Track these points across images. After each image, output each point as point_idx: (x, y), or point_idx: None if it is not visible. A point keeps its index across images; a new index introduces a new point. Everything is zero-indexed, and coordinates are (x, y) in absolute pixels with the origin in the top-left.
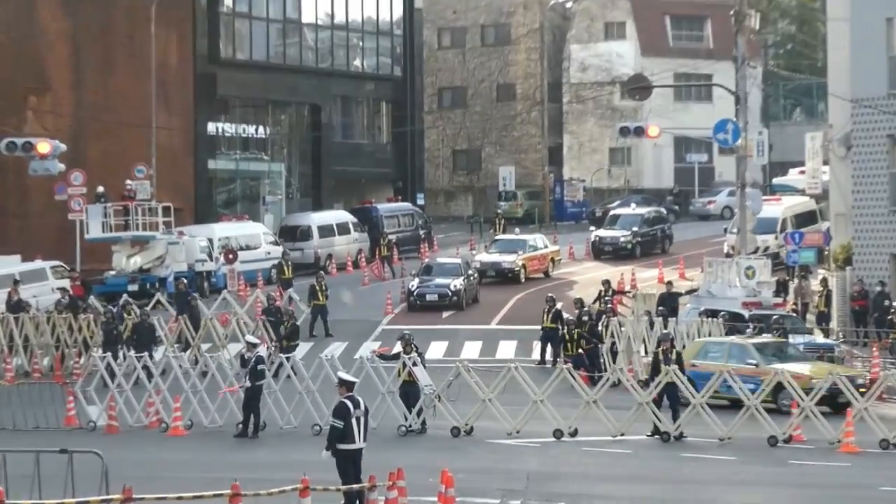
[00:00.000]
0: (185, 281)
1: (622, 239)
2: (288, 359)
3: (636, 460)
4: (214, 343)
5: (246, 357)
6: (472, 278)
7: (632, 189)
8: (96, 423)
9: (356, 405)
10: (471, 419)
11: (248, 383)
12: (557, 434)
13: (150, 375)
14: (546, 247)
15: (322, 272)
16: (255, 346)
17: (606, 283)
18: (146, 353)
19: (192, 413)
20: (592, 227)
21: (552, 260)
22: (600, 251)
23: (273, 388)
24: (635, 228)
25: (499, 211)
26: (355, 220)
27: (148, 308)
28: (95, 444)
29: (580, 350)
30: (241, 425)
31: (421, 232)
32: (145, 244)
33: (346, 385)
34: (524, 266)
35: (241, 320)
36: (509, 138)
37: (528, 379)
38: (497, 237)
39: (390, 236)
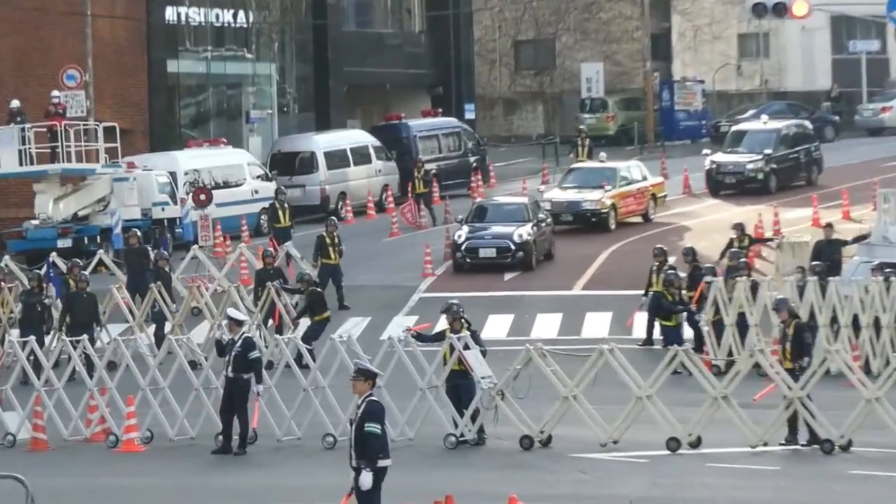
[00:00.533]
0: (139, 233)
1: (749, 166)
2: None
3: (786, 480)
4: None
5: (224, 341)
6: (543, 225)
7: (771, 93)
8: (16, 437)
9: None
10: (548, 424)
11: (228, 373)
12: (673, 444)
13: (91, 368)
14: (645, 178)
15: (334, 219)
16: (239, 323)
17: (739, 227)
18: (85, 337)
19: (153, 421)
20: (707, 151)
21: (654, 197)
22: (718, 184)
23: (267, 383)
24: (768, 151)
25: (581, 127)
26: (378, 143)
27: (86, 272)
28: (15, 466)
29: (688, 319)
30: (220, 437)
31: (471, 159)
32: (80, 181)
33: (369, 376)
34: (614, 206)
35: (222, 288)
36: (594, 23)
37: (628, 367)
38: (574, 165)
39: (428, 166)
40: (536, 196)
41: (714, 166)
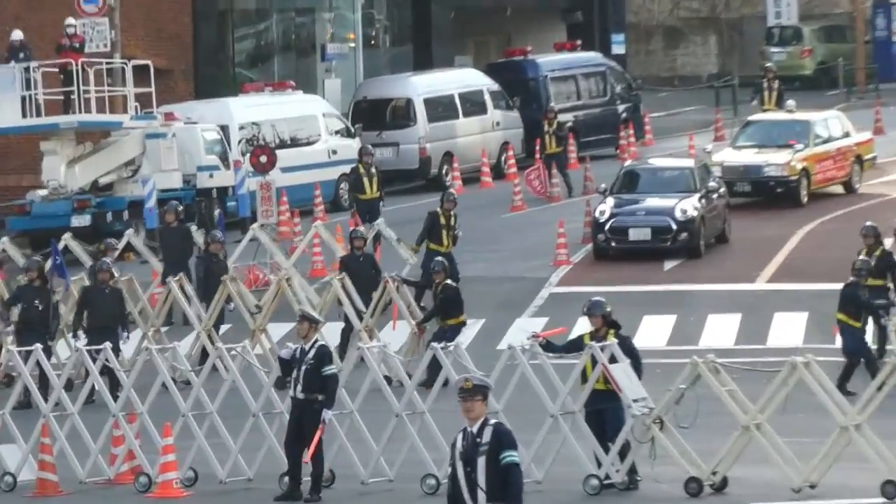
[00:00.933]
0: (179, 206)
1: None
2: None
3: None
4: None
5: (288, 354)
6: (715, 197)
7: None
8: (16, 478)
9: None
10: (722, 463)
11: (297, 394)
12: (890, 490)
13: (115, 387)
14: (848, 134)
15: (454, 193)
16: (315, 325)
17: None
18: (108, 345)
19: (197, 457)
20: None
21: (860, 159)
22: None
23: (347, 407)
24: None
25: (768, 65)
26: (495, 86)
27: (108, 260)
28: None
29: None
30: (286, 478)
31: (620, 108)
32: (102, 139)
33: (486, 395)
34: (806, 172)
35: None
36: None
37: (830, 386)
38: (756, 116)
39: (562, 117)
40: (704, 158)
41: None
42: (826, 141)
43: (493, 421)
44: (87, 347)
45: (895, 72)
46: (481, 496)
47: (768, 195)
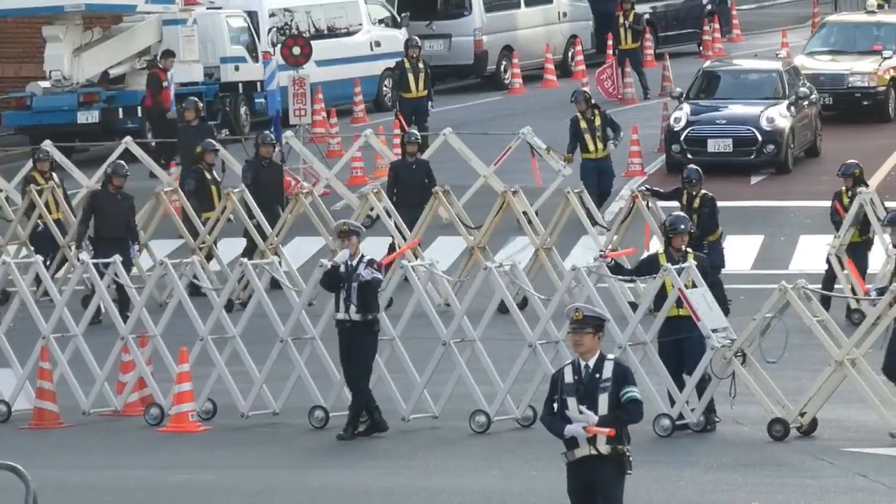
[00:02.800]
0: (200, 104)
1: None
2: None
3: None
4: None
5: (342, 260)
6: (806, 104)
7: None
8: (10, 407)
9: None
10: (812, 403)
11: (350, 314)
12: None
13: (125, 306)
14: None
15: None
16: (357, 235)
17: None
18: (117, 258)
19: (216, 387)
20: None
21: None
22: None
23: (388, 334)
24: None
25: None
26: None
27: (123, 162)
28: (12, 451)
29: None
30: (353, 413)
31: None
32: (113, 24)
33: (601, 327)
34: (895, 81)
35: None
36: None
37: None
38: (834, 17)
39: (639, 8)
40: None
41: None
42: None
43: (610, 356)
44: (95, 261)
45: None
46: (601, 437)
47: (851, 108)
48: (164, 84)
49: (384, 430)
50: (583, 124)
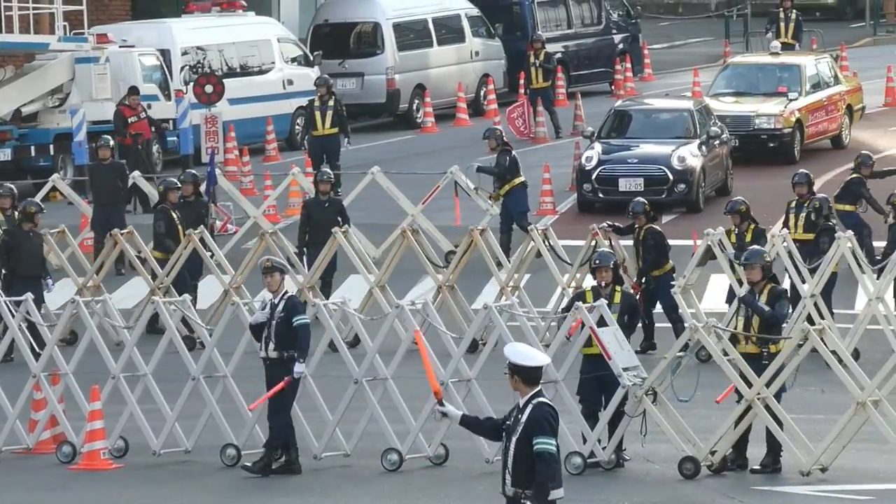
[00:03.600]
0: (111, 142)
1: None
2: None
3: None
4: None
5: (262, 319)
6: (717, 143)
7: None
8: None
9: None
10: (722, 441)
11: (269, 352)
12: None
13: (36, 343)
14: (837, 80)
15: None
16: (283, 274)
17: None
18: (29, 296)
19: (128, 425)
20: None
21: (849, 110)
22: None
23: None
24: None
25: None
26: (475, 10)
27: (36, 199)
28: None
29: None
30: (267, 450)
31: (616, 38)
32: (26, 62)
33: (527, 376)
34: (801, 125)
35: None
36: None
37: (849, 359)
38: (736, 59)
39: (550, 47)
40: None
41: None
42: (817, 87)
43: (538, 399)
44: (7, 299)
45: None
46: (508, 478)
47: (758, 150)
48: (132, 119)
49: (296, 474)
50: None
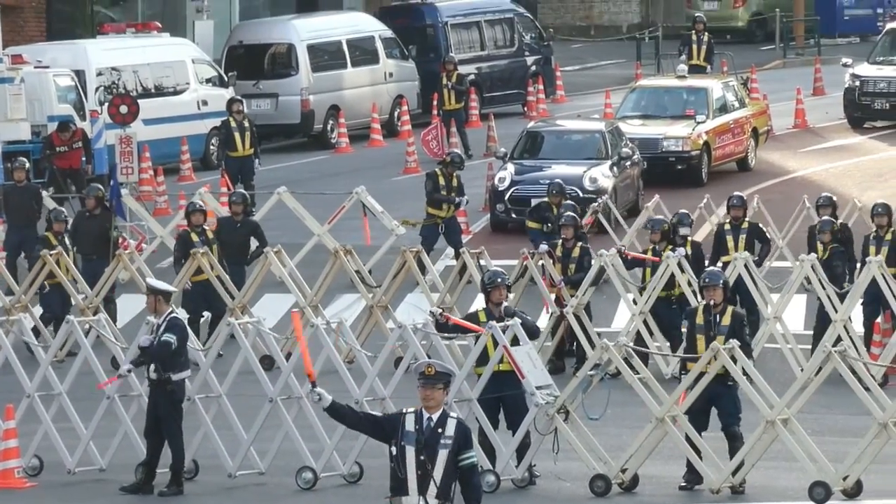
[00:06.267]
0: (26, 163)
1: None
2: None
3: None
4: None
5: (147, 343)
6: (628, 165)
7: None
8: None
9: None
10: (633, 459)
11: (152, 374)
12: (819, 493)
13: None
14: (743, 104)
15: (460, 155)
16: (163, 294)
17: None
18: None
19: (43, 443)
20: (847, 61)
21: (755, 133)
22: (862, 109)
23: (215, 391)
24: None
25: (698, 15)
26: (389, 32)
27: None
28: None
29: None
30: (143, 468)
31: (529, 60)
32: None
33: (448, 382)
34: (708, 147)
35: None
36: None
37: (758, 377)
38: (642, 82)
39: (463, 69)
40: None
41: (856, 84)
42: (724, 110)
43: (454, 414)
44: None
45: (838, 25)
46: (432, 489)
47: (666, 172)
48: (61, 149)
49: (147, 494)
50: (442, 181)
